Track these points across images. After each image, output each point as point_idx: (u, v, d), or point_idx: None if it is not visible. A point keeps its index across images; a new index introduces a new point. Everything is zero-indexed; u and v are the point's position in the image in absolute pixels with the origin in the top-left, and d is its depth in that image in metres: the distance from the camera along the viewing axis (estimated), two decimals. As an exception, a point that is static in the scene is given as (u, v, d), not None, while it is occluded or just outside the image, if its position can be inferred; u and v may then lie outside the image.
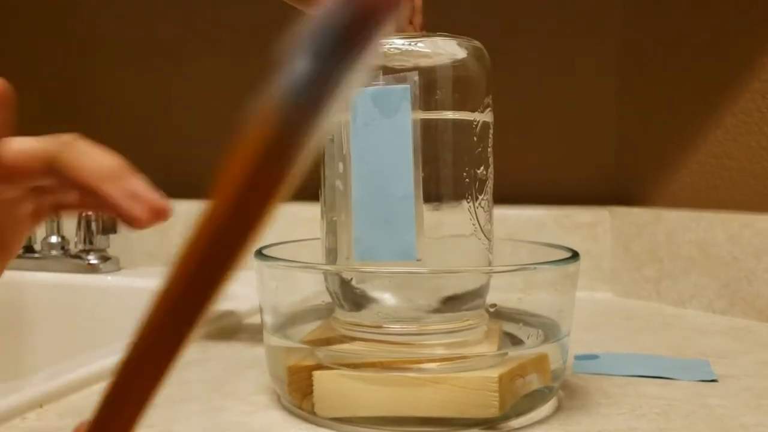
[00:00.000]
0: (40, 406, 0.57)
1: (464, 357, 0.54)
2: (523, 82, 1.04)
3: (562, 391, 0.60)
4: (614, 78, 1.04)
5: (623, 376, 0.66)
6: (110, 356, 0.66)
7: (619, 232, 1.01)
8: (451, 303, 0.54)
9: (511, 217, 1.02)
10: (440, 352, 0.54)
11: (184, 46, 1.21)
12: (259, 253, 0.59)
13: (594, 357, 0.70)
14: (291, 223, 1.11)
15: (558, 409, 0.57)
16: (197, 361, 0.70)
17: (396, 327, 0.54)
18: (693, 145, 0.95)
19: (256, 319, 0.86)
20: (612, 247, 1.01)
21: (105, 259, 1.09)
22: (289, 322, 0.59)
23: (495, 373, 0.52)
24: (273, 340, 0.59)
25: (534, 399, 0.55)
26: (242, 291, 0.94)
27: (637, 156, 1.03)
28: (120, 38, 1.25)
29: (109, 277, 1.08)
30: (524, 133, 1.06)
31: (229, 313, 0.85)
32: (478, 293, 0.55)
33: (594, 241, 1.01)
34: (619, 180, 1.05)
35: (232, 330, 0.82)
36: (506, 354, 0.56)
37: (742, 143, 0.91)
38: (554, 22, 1.06)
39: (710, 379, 0.65)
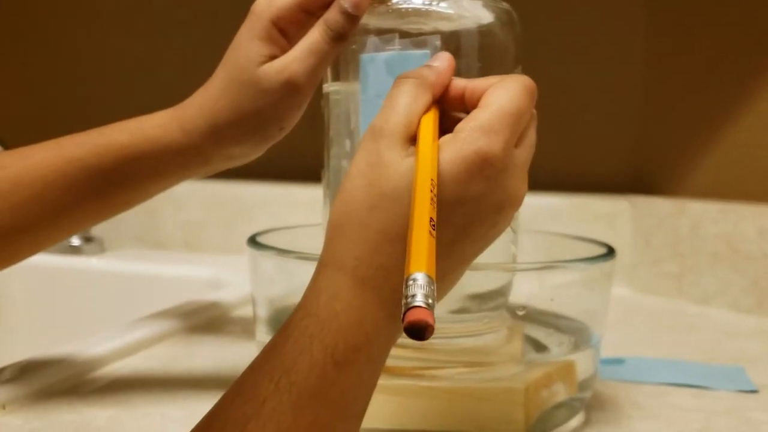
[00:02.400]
0: (3, 408, 0.51)
1: (485, 364, 0.47)
2: (540, 59, 0.97)
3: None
4: (639, 57, 0.97)
5: (653, 383, 0.59)
6: (84, 350, 0.60)
7: (639, 223, 0.94)
8: (471, 302, 0.48)
9: (524, 204, 0.95)
10: (457, 358, 0.47)
11: (175, 15, 1.14)
12: (253, 241, 0.52)
13: (620, 361, 0.64)
14: (285, 205, 1.05)
15: (586, 423, 0.51)
16: (180, 357, 0.64)
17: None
18: (721, 131, 0.89)
19: (246, 311, 0.79)
20: (631, 240, 0.95)
21: (88, 240, 1.03)
22: (284, 316, 0.53)
23: (520, 384, 0.46)
24: (266, 336, 0.53)
25: (561, 412, 0.49)
26: (231, 279, 0.89)
27: (660, 141, 0.96)
28: (111, 7, 1.18)
29: (93, 260, 1.01)
30: (539, 114, 0.99)
31: (217, 304, 0.78)
32: (501, 292, 0.49)
33: (612, 232, 0.94)
34: (640, 167, 0.98)
35: (220, 323, 0.76)
36: (530, 361, 0.50)
37: (776, 131, 0.84)
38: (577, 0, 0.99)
39: (749, 389, 0.59)
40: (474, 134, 0.34)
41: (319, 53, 0.47)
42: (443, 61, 0.39)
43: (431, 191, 0.32)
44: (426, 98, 0.37)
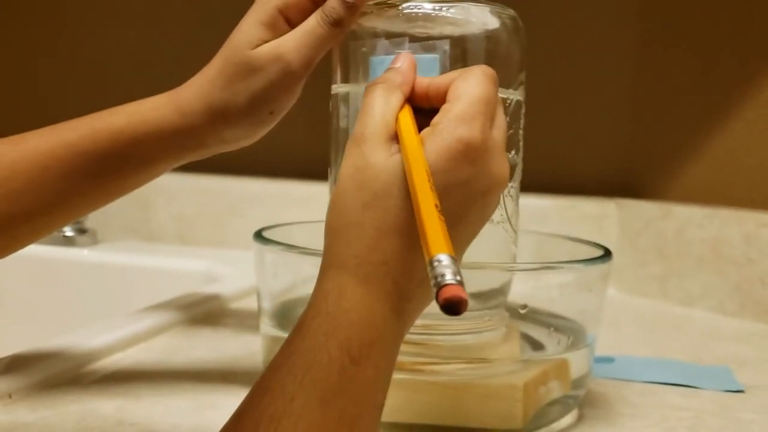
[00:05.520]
0: (9, 397, 0.51)
1: (484, 360, 0.49)
2: (531, 62, 0.99)
3: (580, 398, 0.55)
4: (629, 62, 0.99)
5: (643, 382, 0.61)
6: (86, 341, 0.60)
7: (626, 225, 0.96)
8: (472, 301, 0.49)
9: (513, 205, 0.97)
10: (457, 354, 0.49)
11: (171, 5, 1.15)
12: (260, 236, 0.53)
13: (610, 360, 0.66)
14: (278, 201, 1.05)
15: (579, 420, 0.53)
16: (182, 349, 0.64)
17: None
18: (709, 137, 0.91)
19: (243, 303, 0.81)
20: (618, 242, 0.96)
21: (82, 231, 1.03)
22: (288, 310, 0.54)
23: (519, 381, 0.47)
24: (270, 329, 0.54)
25: (556, 408, 0.50)
26: (224, 272, 0.89)
27: (648, 146, 0.98)
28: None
29: (86, 251, 1.01)
30: (528, 115, 1.01)
31: (213, 297, 0.79)
32: (501, 291, 0.50)
33: (599, 234, 0.96)
34: (628, 170, 1.00)
35: (218, 315, 0.76)
36: (527, 359, 0.51)
37: (762, 139, 0.86)
38: (569, 3, 1.01)
39: (736, 389, 0.60)
40: (452, 124, 0.36)
41: (312, 35, 0.47)
42: (404, 60, 0.41)
43: (429, 180, 0.33)
44: (397, 98, 0.38)
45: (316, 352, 0.33)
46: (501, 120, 0.39)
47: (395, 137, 0.37)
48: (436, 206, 0.32)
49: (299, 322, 0.35)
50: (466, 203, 0.36)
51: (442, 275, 0.29)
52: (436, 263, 0.29)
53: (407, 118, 0.37)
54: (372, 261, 0.35)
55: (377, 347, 0.34)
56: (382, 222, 0.35)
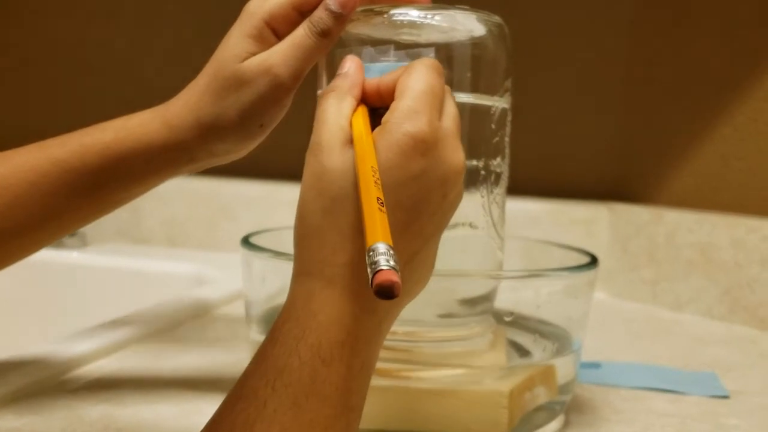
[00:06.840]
0: (-6, 403, 0.51)
1: (471, 367, 0.49)
2: (523, 67, 0.99)
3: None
4: (620, 66, 0.99)
5: (629, 388, 0.61)
6: (72, 346, 0.60)
7: (617, 230, 0.96)
8: (459, 307, 0.49)
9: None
10: (444, 361, 0.49)
11: (162, 9, 1.14)
12: (247, 242, 0.53)
13: (597, 365, 0.66)
14: (268, 204, 1.05)
15: (565, 425, 0.53)
16: (168, 354, 0.64)
17: (395, 331, 0.48)
18: (699, 142, 0.91)
19: (231, 308, 0.80)
20: (609, 246, 0.97)
21: (71, 234, 1.02)
22: (276, 315, 0.53)
23: (505, 387, 0.47)
24: (258, 335, 0.54)
25: (542, 414, 0.51)
26: (214, 275, 0.89)
27: (639, 150, 0.98)
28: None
29: (75, 254, 1.01)
30: (520, 119, 1.01)
31: (201, 301, 0.79)
32: (487, 297, 0.50)
33: (590, 238, 0.96)
34: (619, 175, 1.00)
35: (205, 320, 0.76)
36: (513, 365, 0.51)
37: (752, 144, 0.87)
38: (559, 6, 1.01)
39: (722, 395, 0.61)
40: (399, 120, 0.36)
41: (300, 47, 0.47)
42: (351, 64, 0.41)
43: (374, 176, 0.34)
44: (348, 102, 0.39)
45: (287, 357, 0.34)
46: (450, 108, 0.39)
47: (351, 141, 0.37)
48: (378, 199, 0.33)
49: (271, 330, 0.36)
50: (424, 194, 0.36)
51: (376, 262, 0.30)
52: (371, 252, 0.31)
53: (359, 121, 0.38)
54: (336, 263, 0.35)
55: (348, 346, 0.35)
56: (343, 224, 0.35)
